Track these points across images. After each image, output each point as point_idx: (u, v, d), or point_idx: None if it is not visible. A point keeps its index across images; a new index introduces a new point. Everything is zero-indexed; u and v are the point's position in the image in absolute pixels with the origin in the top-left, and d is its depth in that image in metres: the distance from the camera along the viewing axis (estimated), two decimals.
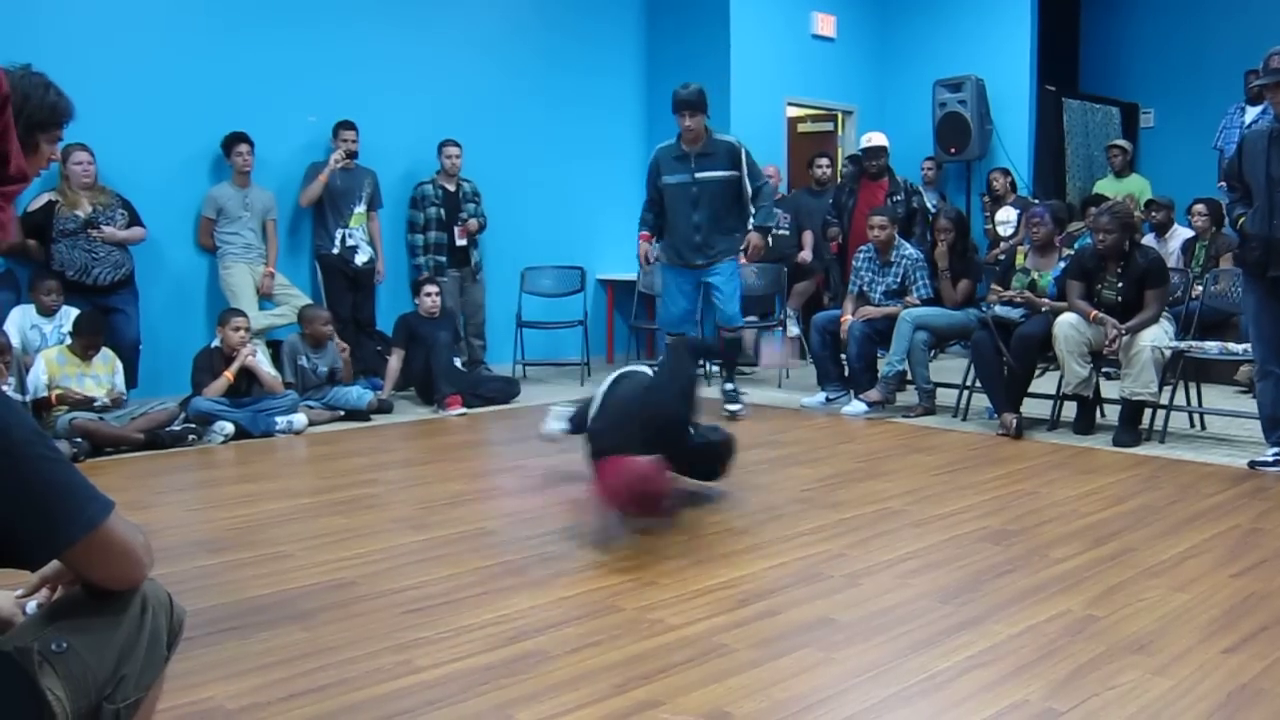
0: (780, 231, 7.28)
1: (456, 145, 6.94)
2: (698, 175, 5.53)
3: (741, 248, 5.71)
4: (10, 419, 1.33)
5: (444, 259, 6.93)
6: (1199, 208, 7.19)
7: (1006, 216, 8.18)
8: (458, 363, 6.54)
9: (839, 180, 7.90)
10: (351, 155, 6.49)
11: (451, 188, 6.98)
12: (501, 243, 7.44)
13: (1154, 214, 7.51)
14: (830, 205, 7.20)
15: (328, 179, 6.42)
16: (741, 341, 6.14)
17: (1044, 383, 5.62)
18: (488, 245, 7.30)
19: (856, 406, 5.90)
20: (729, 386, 5.88)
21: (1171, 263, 6.76)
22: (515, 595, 2.88)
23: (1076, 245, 6.01)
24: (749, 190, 5.59)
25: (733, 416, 5.69)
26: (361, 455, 4.99)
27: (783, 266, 7.39)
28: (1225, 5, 9.08)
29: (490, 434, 5.53)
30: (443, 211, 6.93)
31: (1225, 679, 2.29)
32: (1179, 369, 5.21)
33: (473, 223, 6.99)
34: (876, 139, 7.01)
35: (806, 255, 7.70)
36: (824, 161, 8.03)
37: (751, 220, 5.63)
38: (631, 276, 7.80)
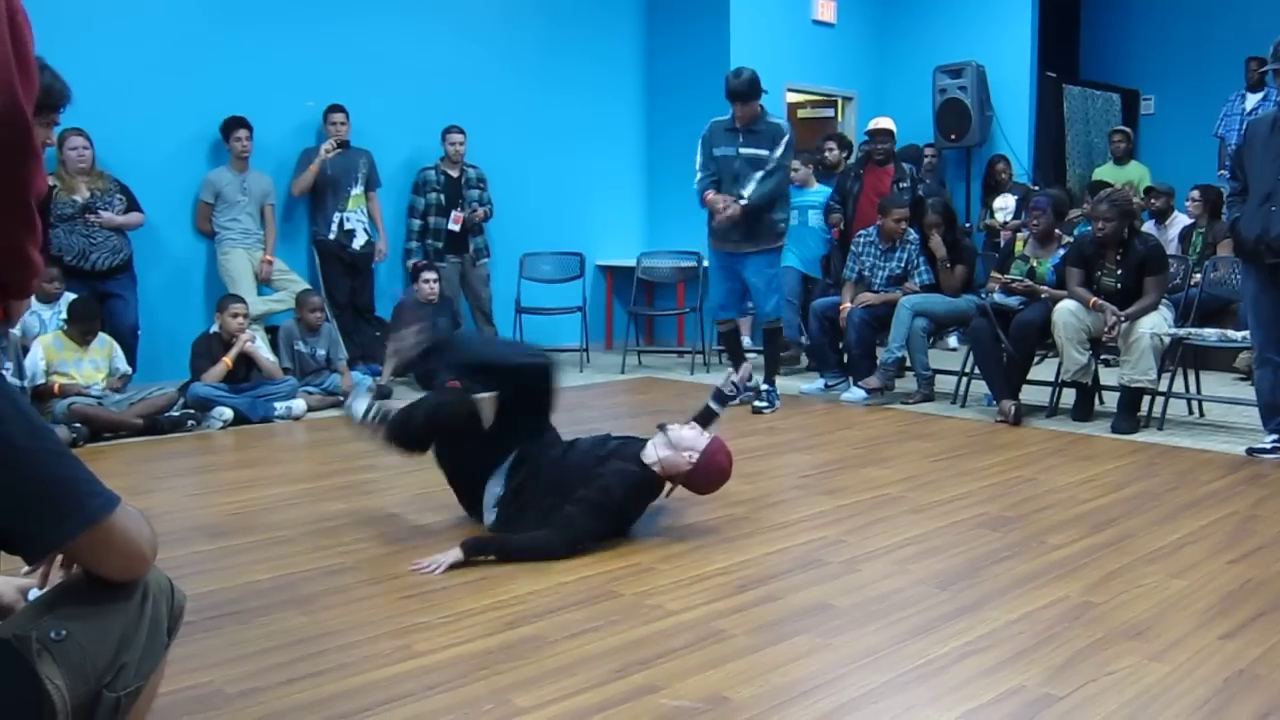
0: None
1: (460, 132, 6.92)
2: (742, 150, 5.51)
3: (722, 206, 5.46)
4: (8, 411, 1.32)
5: (441, 245, 6.92)
6: (1194, 194, 7.18)
7: (1004, 203, 8.18)
8: None
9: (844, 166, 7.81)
10: (343, 144, 6.46)
11: (455, 174, 6.97)
12: (501, 229, 7.42)
13: (1153, 201, 7.50)
14: (833, 191, 7.11)
15: (319, 168, 6.40)
16: (781, 335, 5.96)
17: (1043, 369, 5.62)
18: (488, 231, 7.28)
19: (855, 393, 5.90)
20: (765, 387, 5.65)
21: (1171, 250, 6.76)
22: (514, 580, 2.89)
23: (1076, 232, 6.00)
24: (769, 165, 5.43)
25: (757, 411, 5.53)
26: (360, 441, 4.98)
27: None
28: None
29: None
30: (443, 197, 6.92)
31: (1222, 665, 2.30)
32: (1178, 356, 5.21)
33: (481, 212, 6.99)
34: (883, 123, 6.87)
35: None
36: (831, 145, 7.78)
37: (748, 187, 5.42)
38: (630, 262, 7.78)
